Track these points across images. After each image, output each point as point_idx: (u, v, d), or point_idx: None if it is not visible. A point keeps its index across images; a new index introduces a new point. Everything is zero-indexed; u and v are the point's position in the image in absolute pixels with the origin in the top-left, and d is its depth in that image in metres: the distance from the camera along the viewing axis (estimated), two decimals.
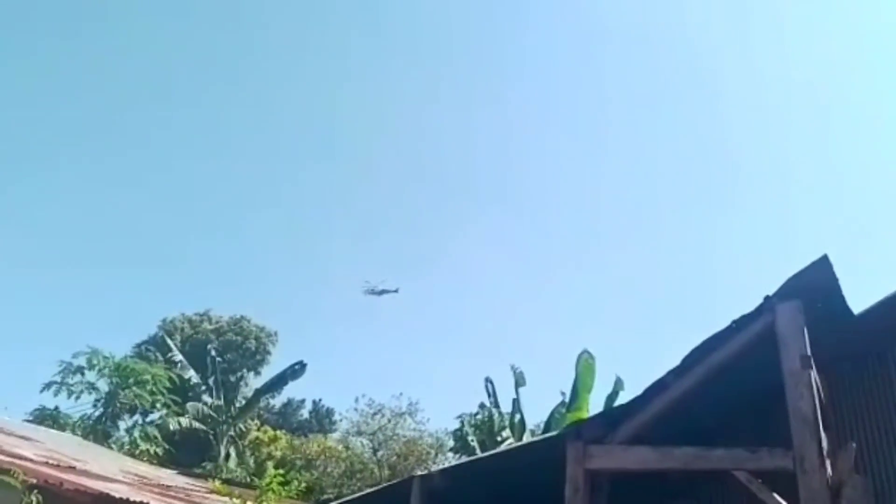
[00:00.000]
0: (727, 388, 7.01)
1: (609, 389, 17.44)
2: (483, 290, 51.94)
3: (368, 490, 12.80)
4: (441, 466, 28.05)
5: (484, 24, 52.45)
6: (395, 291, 41.31)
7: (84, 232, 52.10)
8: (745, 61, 49.37)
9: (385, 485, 12.61)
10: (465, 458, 16.30)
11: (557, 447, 7.42)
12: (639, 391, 6.86)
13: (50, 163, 51.98)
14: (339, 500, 11.55)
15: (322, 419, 44.78)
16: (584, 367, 16.19)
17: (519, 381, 21.12)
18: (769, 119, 51.50)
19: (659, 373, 6.67)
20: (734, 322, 6.31)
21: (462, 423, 25.40)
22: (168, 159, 55.35)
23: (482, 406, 24.22)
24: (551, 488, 7.28)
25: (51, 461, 15.71)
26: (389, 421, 32.45)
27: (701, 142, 51.10)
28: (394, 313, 53.86)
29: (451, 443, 28.75)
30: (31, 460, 14.98)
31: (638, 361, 35.35)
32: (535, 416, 22.25)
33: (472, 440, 22.74)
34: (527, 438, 20.19)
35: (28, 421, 25.56)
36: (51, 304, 52.06)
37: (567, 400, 17.98)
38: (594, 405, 16.56)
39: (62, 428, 25.97)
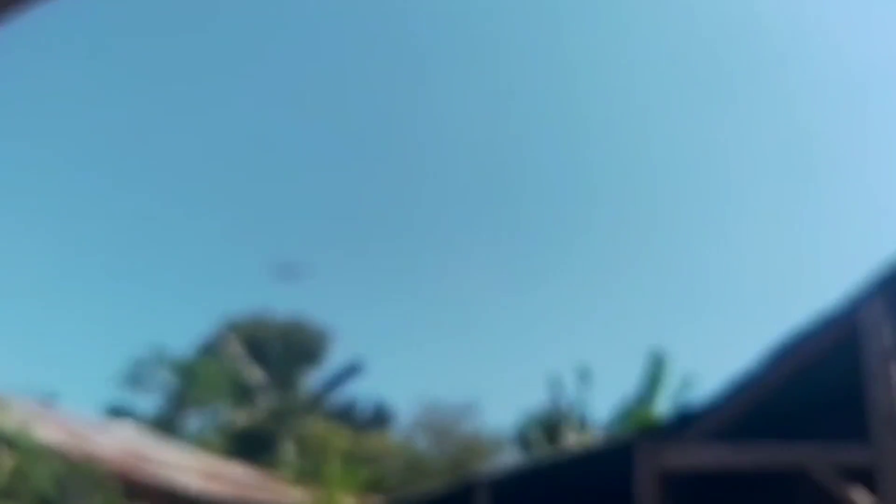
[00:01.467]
0: (806, 384, 6.89)
1: (677, 386, 17.14)
2: (544, 288, 51.55)
3: (436, 488, 12.85)
4: (502, 465, 28.11)
5: None
6: (307, 270, 42.31)
7: (148, 230, 53.59)
8: None
9: (453, 483, 12.66)
10: (531, 458, 16.25)
11: (629, 446, 7.38)
12: (709, 388, 6.79)
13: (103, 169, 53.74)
14: (407, 497, 11.63)
15: (380, 416, 45.16)
16: (654, 363, 16.01)
17: (584, 379, 20.95)
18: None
19: (731, 369, 6.59)
20: (815, 316, 6.21)
21: (524, 420, 25.34)
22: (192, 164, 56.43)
23: (546, 403, 24.12)
24: (623, 487, 7.24)
25: (126, 453, 16.32)
26: (450, 418, 32.56)
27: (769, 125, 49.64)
28: (453, 312, 54.05)
29: (511, 441, 28.68)
30: (108, 452, 15.59)
31: (706, 358, 34.82)
32: (600, 414, 22.08)
33: (536, 438, 22.65)
34: (592, 437, 20.02)
35: (102, 415, 26.59)
36: (122, 301, 53.66)
37: (634, 398, 17.79)
38: (665, 402, 16.36)
39: (134, 422, 26.92)
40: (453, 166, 56.59)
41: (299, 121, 57.19)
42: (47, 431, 14.33)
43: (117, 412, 27.97)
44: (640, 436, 7.23)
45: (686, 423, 6.94)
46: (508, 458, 30.05)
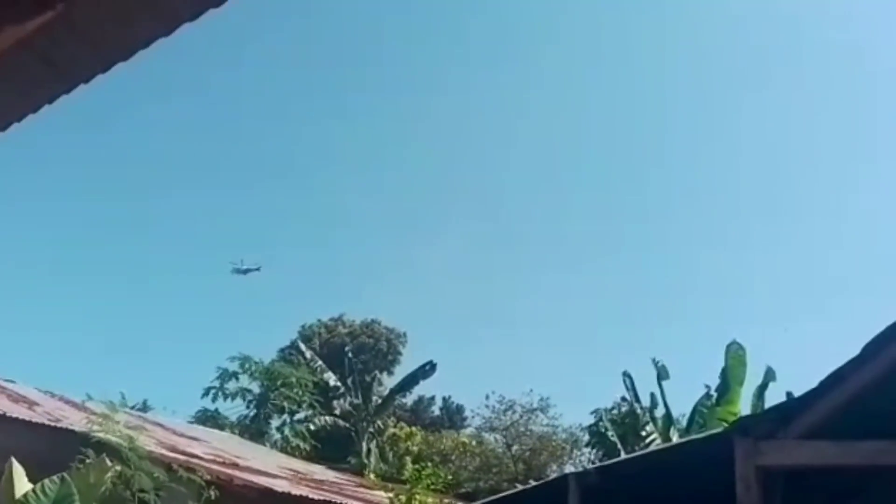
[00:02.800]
0: None
1: (759, 381, 16.86)
2: (616, 285, 51.15)
3: (524, 487, 13.00)
4: (584, 462, 28.06)
5: None
6: (258, 270, 43.04)
7: (227, 244, 55.27)
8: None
9: (541, 482, 12.79)
10: (609, 456, 16.23)
11: (723, 444, 7.39)
12: (792, 383, 6.76)
13: (188, 186, 55.46)
14: (494, 497, 11.80)
15: (452, 415, 45.56)
16: (734, 358, 15.80)
17: (661, 375, 20.72)
18: None
19: (816, 365, 6.55)
20: None
21: (598, 417, 25.26)
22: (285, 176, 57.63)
23: (623, 400, 23.96)
24: (717, 486, 7.25)
25: (218, 459, 16.93)
26: (521, 417, 32.65)
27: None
28: (522, 309, 54.10)
29: (586, 438, 28.64)
30: (201, 458, 16.21)
31: (789, 351, 34.04)
32: (678, 410, 21.87)
33: (612, 435, 22.55)
34: (673, 434, 19.84)
35: (192, 422, 27.66)
36: (207, 315, 55.61)
37: (714, 393, 17.59)
38: (744, 398, 16.14)
39: (222, 428, 27.95)
40: (530, 160, 56.74)
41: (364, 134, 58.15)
42: (146, 440, 15.01)
43: (207, 419, 29.08)
44: (734, 431, 7.22)
45: (783, 419, 6.91)
46: (583, 456, 30.08)
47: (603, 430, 24.01)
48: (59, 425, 13.96)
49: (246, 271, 42.58)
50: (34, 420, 14.11)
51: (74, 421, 14.14)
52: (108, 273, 52.86)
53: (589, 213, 53.95)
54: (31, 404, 16.16)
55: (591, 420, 26.74)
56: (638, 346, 42.70)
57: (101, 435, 11.90)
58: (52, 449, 13.23)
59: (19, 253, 53.68)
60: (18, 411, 14.58)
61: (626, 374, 22.45)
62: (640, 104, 52.16)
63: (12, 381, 18.56)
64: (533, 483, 14.49)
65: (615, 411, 24.75)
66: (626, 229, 53.22)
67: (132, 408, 26.19)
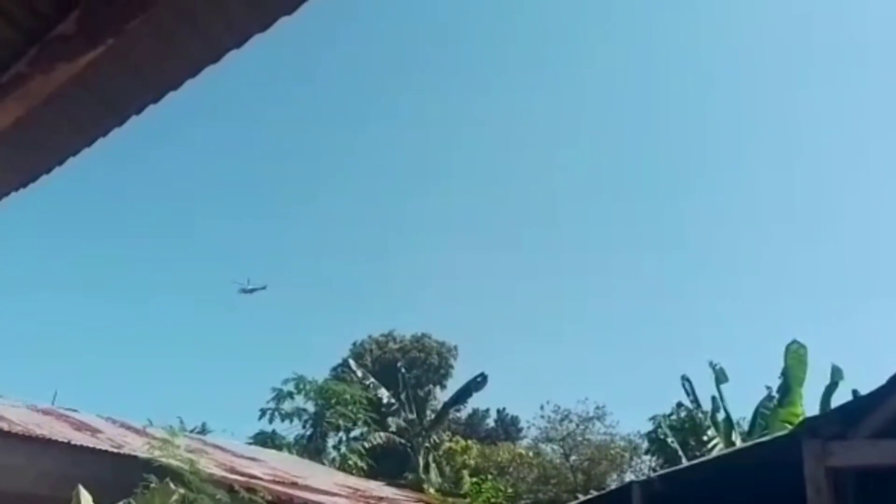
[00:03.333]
0: None
1: (826, 381, 16.34)
2: (670, 288, 50.48)
3: (587, 497, 12.81)
4: (645, 470, 27.57)
5: None
6: (264, 288, 43.33)
7: (275, 265, 56.10)
8: None
9: (604, 492, 12.61)
10: (685, 463, 15.85)
11: (790, 446, 7.18)
12: (862, 382, 6.53)
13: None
14: None
15: (508, 427, 45.34)
16: (794, 358, 15.37)
17: (720, 378, 20.26)
18: None
19: (881, 362, 6.33)
20: None
21: (657, 424, 24.81)
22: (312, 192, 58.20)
23: (679, 405, 23.49)
24: (785, 490, 7.05)
25: (277, 479, 17.06)
26: (577, 426, 32.33)
27: None
28: (572, 316, 53.73)
29: (645, 445, 28.19)
30: (261, 479, 16.36)
31: (856, 349, 33.10)
32: (738, 412, 21.38)
33: (672, 441, 22.11)
34: (735, 438, 19.37)
35: (251, 443, 28.03)
36: (261, 336, 56.58)
37: (776, 394, 17.14)
38: (809, 398, 15.69)
39: (280, 448, 28.26)
40: (577, 165, 56.47)
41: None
42: (206, 463, 15.22)
43: (265, 440, 29.42)
44: (801, 433, 7.01)
45: (852, 419, 6.69)
46: (644, 464, 29.56)
47: (662, 436, 23.57)
48: (122, 451, 14.23)
49: (252, 290, 43.25)
50: (98, 447, 14.39)
51: (136, 446, 14.40)
52: (162, 299, 54.16)
53: (639, 215, 53.44)
54: (94, 431, 16.51)
55: (650, 426, 26.33)
56: (693, 349, 42.09)
57: (162, 459, 12.09)
58: (116, 475, 13.47)
59: (76, 282, 55.45)
60: (82, 439, 14.90)
61: (684, 378, 22.03)
62: (684, 110, 51.74)
63: (74, 410, 19.03)
64: (595, 493, 14.28)
65: (673, 417, 24.27)
66: (679, 231, 52.68)
67: (191, 431, 26.71)
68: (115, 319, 56.87)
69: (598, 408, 32.10)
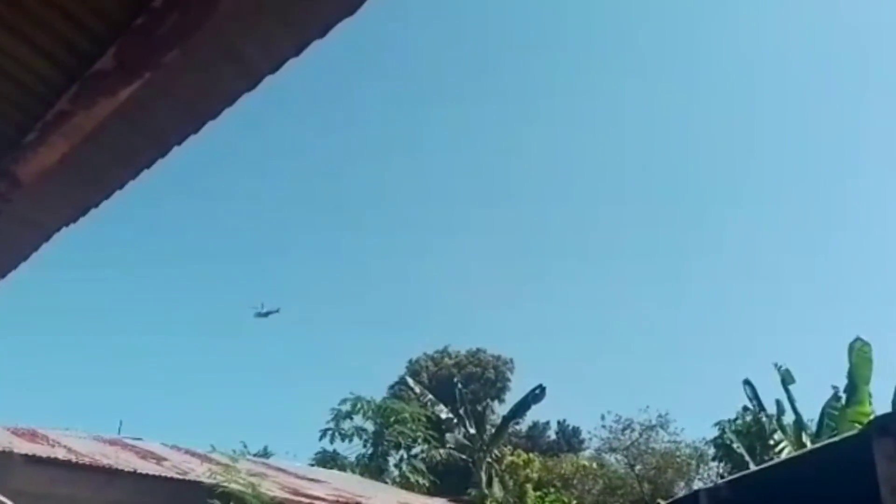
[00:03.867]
0: None
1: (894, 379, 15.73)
2: (728, 293, 49.56)
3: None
4: (712, 477, 26.93)
5: None
6: (278, 311, 43.78)
7: (326, 288, 56.86)
8: None
9: (670, 500, 12.31)
10: (754, 468, 15.38)
11: (861, 445, 6.91)
12: None
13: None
14: None
15: (569, 438, 44.80)
16: (859, 356, 14.84)
17: (786, 379, 19.66)
18: None
19: None
20: None
21: (722, 429, 24.21)
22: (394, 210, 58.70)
23: (744, 410, 22.90)
24: (858, 490, 6.78)
25: (340, 499, 17.13)
26: (641, 435, 31.79)
27: None
28: (628, 324, 52.98)
29: (711, 451, 27.54)
30: (324, 500, 16.44)
31: None
32: (804, 414, 20.72)
33: (738, 447, 21.54)
34: (805, 440, 18.75)
35: (313, 464, 28.26)
36: (318, 357, 57.40)
37: (842, 394, 16.57)
38: (879, 396, 15.11)
39: (342, 468, 28.41)
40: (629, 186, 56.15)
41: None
42: (269, 485, 15.38)
43: (327, 461, 29.61)
44: (871, 432, 6.72)
45: None
46: (711, 471, 28.88)
47: (728, 441, 22.99)
48: (186, 478, 14.46)
49: (267, 314, 43.84)
50: (163, 475, 14.65)
51: (200, 473, 14.62)
52: (223, 326, 55.36)
53: (694, 223, 52.79)
54: (160, 459, 16.82)
55: (715, 433, 25.70)
56: (753, 353, 41.08)
57: (225, 484, 12.27)
58: (180, 502, 13.73)
59: (138, 315, 56.93)
60: (147, 467, 15.20)
61: (746, 382, 21.47)
62: (736, 119, 50.92)
63: (139, 439, 19.44)
64: (661, 502, 13.98)
65: (739, 421, 23.68)
66: (737, 237, 51.75)
67: (254, 455, 27.03)
68: (178, 349, 58.26)
69: (660, 416, 31.54)
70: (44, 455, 13.79)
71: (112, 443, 18.17)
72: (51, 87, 2.82)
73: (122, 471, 14.19)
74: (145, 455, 17.13)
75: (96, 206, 3.61)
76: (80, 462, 14.06)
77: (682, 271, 51.90)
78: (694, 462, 30.21)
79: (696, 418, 40.62)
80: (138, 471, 14.41)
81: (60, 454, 14.26)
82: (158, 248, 57.29)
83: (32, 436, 15.85)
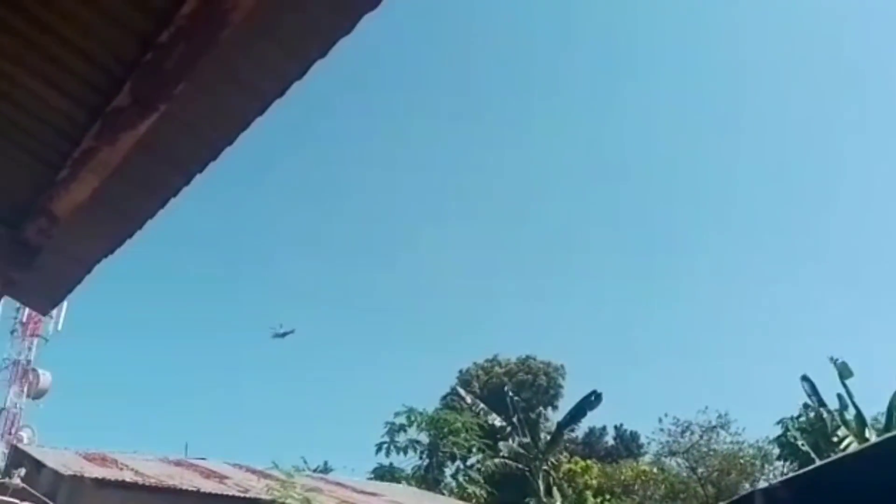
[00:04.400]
0: None
1: None
2: (780, 290, 48.46)
3: None
4: (778, 477, 26.23)
5: None
6: (292, 332, 44.18)
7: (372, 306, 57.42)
8: None
9: (726, 503, 12.03)
10: (810, 466, 14.91)
11: None
12: None
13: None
14: None
15: (628, 444, 44.09)
16: None
17: (843, 374, 19.10)
18: None
19: None
20: None
21: (785, 427, 23.55)
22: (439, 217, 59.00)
23: (806, 407, 22.25)
24: None
25: None
26: (701, 437, 31.07)
27: None
28: (678, 324, 52.14)
29: (776, 451, 26.81)
30: None
31: None
32: (868, 408, 20.05)
33: (802, 444, 20.92)
34: (869, 435, 18.17)
35: (371, 478, 28.49)
36: (370, 375, 58.00)
37: None
38: None
39: (398, 481, 28.54)
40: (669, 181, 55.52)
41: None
42: (328, 500, 15.57)
43: (384, 474, 29.79)
44: None
45: None
46: (776, 471, 28.11)
47: (792, 439, 22.38)
48: (246, 495, 14.75)
49: (284, 334, 44.53)
50: (225, 493, 14.99)
51: (260, 489, 14.89)
52: (284, 345, 56.46)
53: (746, 220, 52.03)
54: (222, 478, 17.18)
55: (778, 431, 25.04)
56: (811, 349, 40.03)
57: (282, 500, 12.49)
58: None
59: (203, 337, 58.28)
60: (211, 486, 15.55)
61: (804, 378, 20.91)
62: (815, 126, 50.18)
63: (203, 458, 19.86)
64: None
65: (801, 418, 23.03)
66: (787, 233, 50.73)
67: (314, 470, 27.35)
68: (240, 369, 59.64)
69: (720, 416, 30.80)
70: (113, 478, 14.23)
71: (177, 463, 18.63)
72: (77, 125, 2.96)
73: (186, 490, 14.57)
74: (209, 474, 17.51)
75: (130, 236, 3.75)
76: (147, 484, 14.46)
77: (733, 269, 51.00)
78: (758, 462, 29.45)
79: (757, 417, 39.80)
80: (201, 490, 14.77)
81: (128, 477, 14.71)
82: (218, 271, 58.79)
83: (102, 460, 16.36)
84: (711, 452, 30.54)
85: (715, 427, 30.80)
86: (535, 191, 57.36)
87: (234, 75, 2.72)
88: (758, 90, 52.95)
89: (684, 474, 31.37)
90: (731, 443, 30.41)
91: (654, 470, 31.88)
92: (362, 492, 20.03)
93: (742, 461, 29.59)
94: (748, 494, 9.89)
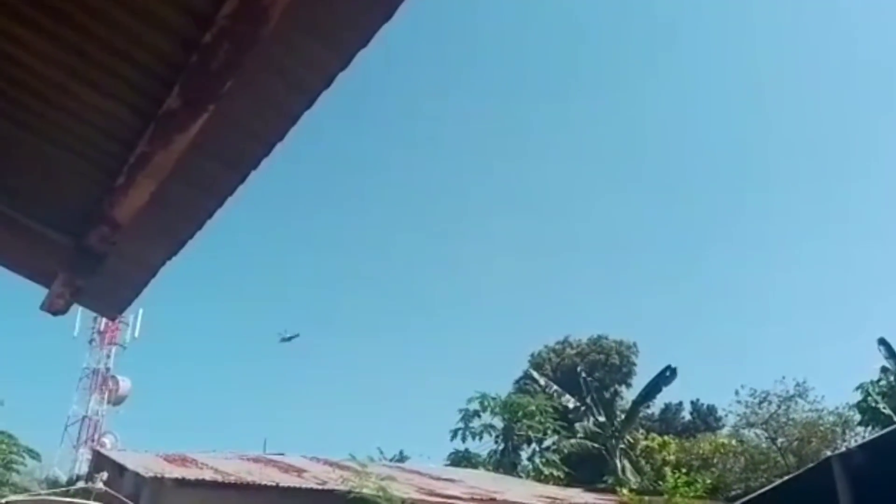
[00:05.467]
0: None
1: None
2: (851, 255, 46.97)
3: (784, 478, 12.02)
4: (853, 445, 25.46)
5: None
6: (297, 336, 45.64)
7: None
8: None
9: (801, 470, 11.74)
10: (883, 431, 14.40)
11: None
12: None
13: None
14: (759, 491, 11.01)
15: (705, 417, 43.38)
16: None
17: None
18: None
19: None
20: None
21: (865, 392, 22.80)
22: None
23: (884, 370, 21.47)
24: None
25: (476, 496, 17.31)
26: (779, 407, 30.48)
27: None
28: (750, 293, 50.93)
29: (857, 417, 26.04)
30: (459, 498, 16.66)
31: None
32: None
33: (884, 408, 20.23)
34: None
35: (447, 465, 28.75)
36: (443, 362, 58.63)
37: None
38: None
39: (475, 466, 28.74)
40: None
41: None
42: (406, 488, 15.74)
43: (461, 460, 30.02)
44: None
45: None
46: (858, 437, 27.27)
47: (873, 404, 21.69)
48: (324, 487, 15.02)
49: (290, 338, 45.31)
50: (303, 486, 15.29)
51: (337, 481, 15.15)
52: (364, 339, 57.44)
53: (816, 191, 50.48)
54: (300, 472, 17.54)
55: (858, 397, 24.28)
56: (887, 310, 38.67)
57: (357, 490, 12.69)
58: None
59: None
60: (289, 480, 15.89)
61: (881, 342, 20.18)
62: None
63: (281, 454, 20.32)
64: (793, 473, 13.33)
65: (882, 382, 22.26)
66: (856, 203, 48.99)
67: (390, 460, 27.72)
68: (311, 363, 60.85)
69: (797, 385, 30.12)
70: (193, 478, 14.67)
71: (256, 460, 19.11)
72: (130, 130, 3.03)
73: (265, 486, 14.92)
74: (287, 469, 17.91)
75: (191, 237, 3.82)
76: (227, 481, 14.86)
77: (804, 233, 49.50)
78: (839, 429, 28.67)
79: (835, 384, 38.66)
80: (280, 484, 15.10)
81: (208, 475, 15.13)
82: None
83: (182, 461, 16.89)
84: (790, 422, 29.93)
85: (793, 396, 30.20)
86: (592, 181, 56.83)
87: (279, 70, 2.74)
88: None
89: (764, 445, 30.78)
90: (811, 411, 29.77)
91: (733, 442, 31.34)
92: (439, 478, 20.19)
93: (822, 429, 28.88)
94: (825, 460, 9.61)
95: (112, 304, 4.49)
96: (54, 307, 4.16)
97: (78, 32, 2.74)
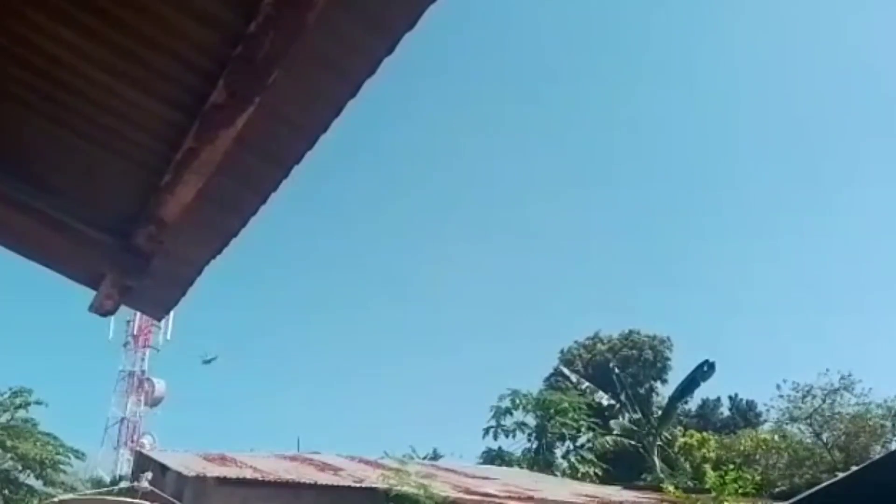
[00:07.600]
0: None
1: None
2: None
3: (844, 473, 11.68)
4: None
5: None
6: (216, 358, 45.66)
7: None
8: None
9: (861, 466, 11.41)
10: None
11: None
12: None
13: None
14: (815, 488, 10.70)
15: (745, 413, 42.69)
16: None
17: None
18: None
19: None
20: None
21: None
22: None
23: None
24: None
25: (512, 494, 17.22)
26: (824, 401, 29.85)
27: None
28: (781, 286, 50.10)
29: None
30: (496, 496, 16.59)
31: None
32: None
33: None
34: None
35: (480, 462, 28.68)
36: (476, 362, 58.63)
37: None
38: None
39: (509, 464, 28.59)
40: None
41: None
42: (442, 486, 15.69)
43: (494, 458, 29.91)
44: None
45: None
46: None
47: None
48: (362, 485, 15.05)
49: (210, 360, 46.11)
50: (341, 484, 15.34)
51: (374, 479, 15.18)
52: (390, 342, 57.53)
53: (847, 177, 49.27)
54: (336, 470, 17.61)
55: None
56: None
57: (398, 488, 12.65)
58: None
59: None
60: (326, 478, 15.96)
61: None
62: None
63: (317, 452, 20.40)
64: (854, 468, 12.99)
65: None
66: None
67: (423, 458, 27.73)
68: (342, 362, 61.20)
69: (843, 378, 29.42)
70: (234, 476, 14.79)
71: (292, 458, 19.22)
72: (175, 128, 2.99)
73: (305, 483, 15.01)
74: (323, 467, 17.99)
75: (236, 234, 3.79)
76: (267, 479, 14.96)
77: (845, 224, 48.55)
78: (889, 423, 28.03)
79: (883, 376, 37.75)
80: (318, 482, 15.17)
81: (248, 474, 15.26)
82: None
83: (222, 460, 17.05)
84: (836, 416, 29.31)
85: (838, 389, 29.53)
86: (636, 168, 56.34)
87: (324, 58, 2.68)
88: None
89: (808, 440, 30.21)
90: (858, 405, 29.10)
91: (776, 438, 30.80)
92: (475, 476, 20.13)
93: (871, 423, 28.24)
94: (892, 452, 9.32)
95: (160, 303, 4.48)
96: (104, 308, 4.16)
97: (120, 30, 2.71)
